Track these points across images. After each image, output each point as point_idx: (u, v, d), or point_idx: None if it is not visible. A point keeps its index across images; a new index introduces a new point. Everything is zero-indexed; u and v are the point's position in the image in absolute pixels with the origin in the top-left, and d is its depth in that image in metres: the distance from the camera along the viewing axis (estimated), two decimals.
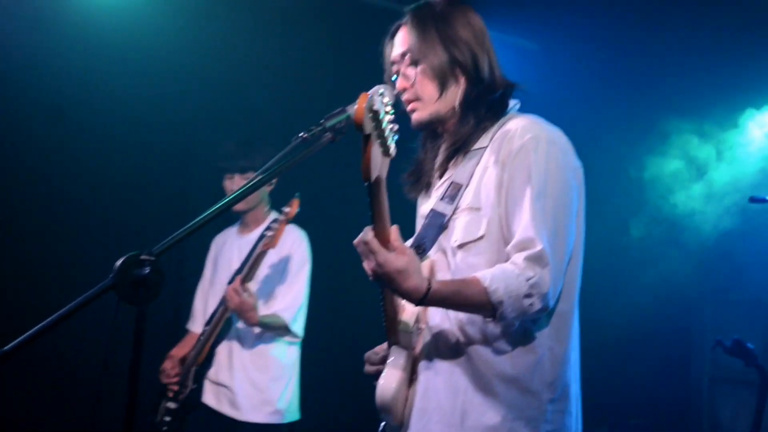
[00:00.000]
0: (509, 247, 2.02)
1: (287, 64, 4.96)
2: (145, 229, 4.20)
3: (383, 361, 2.21)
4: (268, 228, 3.77)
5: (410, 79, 2.18)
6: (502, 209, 2.07)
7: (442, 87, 2.17)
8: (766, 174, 5.28)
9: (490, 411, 2.03)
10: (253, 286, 3.80)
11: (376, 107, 1.69)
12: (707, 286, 5.90)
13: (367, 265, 1.89)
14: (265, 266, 3.85)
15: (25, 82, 4.36)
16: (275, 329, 3.84)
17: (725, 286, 5.83)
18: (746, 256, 5.48)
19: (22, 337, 1.77)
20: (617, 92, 5.62)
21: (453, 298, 1.95)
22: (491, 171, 2.10)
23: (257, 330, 3.84)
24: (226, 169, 3.97)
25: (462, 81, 2.18)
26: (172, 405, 3.88)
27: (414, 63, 2.18)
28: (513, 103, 2.24)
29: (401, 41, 2.22)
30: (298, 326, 3.89)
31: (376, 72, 2.30)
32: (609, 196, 5.29)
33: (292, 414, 3.95)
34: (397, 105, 2.14)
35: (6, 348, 1.77)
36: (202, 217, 1.90)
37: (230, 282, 3.78)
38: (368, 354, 2.32)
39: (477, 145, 2.18)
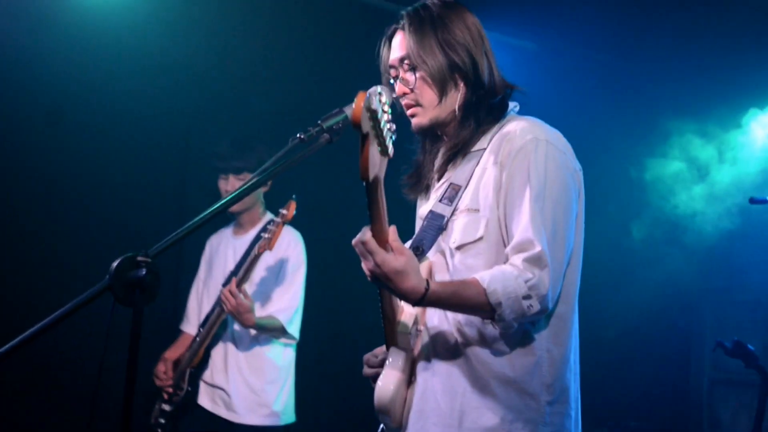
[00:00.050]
0: (508, 248, 2.01)
1: (284, 64, 4.96)
2: (142, 231, 4.19)
3: (382, 363, 2.19)
4: (264, 230, 3.75)
5: (410, 85, 2.17)
6: (501, 211, 2.06)
7: (442, 92, 2.15)
8: None
9: (488, 412, 2.02)
10: (248, 287, 3.79)
11: (373, 106, 1.68)
12: (708, 287, 5.90)
13: (365, 265, 1.88)
14: (261, 268, 3.85)
15: (24, 83, 4.35)
16: (271, 331, 3.83)
17: (726, 287, 5.83)
18: (747, 256, 5.48)
19: (18, 338, 1.76)
20: (618, 92, 5.62)
21: (451, 299, 1.94)
22: (490, 172, 2.10)
23: (253, 332, 3.83)
24: (221, 169, 3.96)
25: (462, 85, 2.17)
26: (166, 407, 3.87)
27: (413, 68, 2.16)
28: (512, 105, 2.23)
29: (399, 45, 2.20)
30: (294, 328, 3.88)
31: (373, 73, 2.29)
32: (610, 198, 5.28)
33: (288, 416, 3.94)
34: (395, 106, 2.13)
35: (1, 350, 1.75)
36: (198, 218, 1.90)
37: (225, 284, 3.77)
38: (367, 356, 2.31)
39: (476, 147, 2.17)
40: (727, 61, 5.06)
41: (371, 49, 2.30)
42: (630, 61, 5.63)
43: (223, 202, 1.95)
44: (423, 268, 2.08)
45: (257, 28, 4.83)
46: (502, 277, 1.93)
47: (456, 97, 2.17)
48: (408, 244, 2.19)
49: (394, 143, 1.80)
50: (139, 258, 1.76)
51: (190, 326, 4.07)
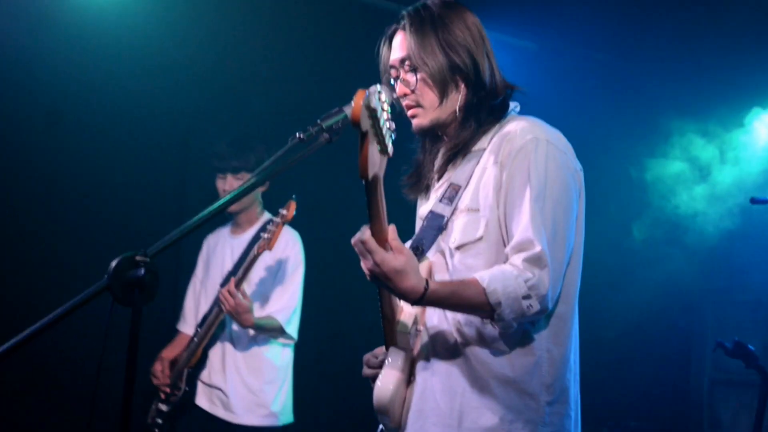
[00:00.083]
0: (508, 248, 2.01)
1: (284, 64, 4.96)
2: (142, 231, 4.18)
3: (382, 364, 2.19)
4: (263, 230, 3.74)
5: (411, 86, 2.16)
6: (501, 210, 2.06)
7: (443, 93, 2.15)
8: None
9: (487, 412, 2.02)
10: (247, 287, 3.78)
11: (373, 105, 1.67)
12: (708, 288, 5.89)
13: (365, 265, 1.87)
14: (259, 268, 3.84)
15: (24, 83, 4.35)
16: (270, 331, 3.82)
17: (726, 287, 5.82)
18: (748, 257, 5.47)
19: (16, 338, 1.76)
20: (618, 92, 5.61)
21: (451, 298, 1.94)
22: (490, 172, 2.09)
23: (251, 332, 3.83)
24: (219, 169, 3.95)
25: (462, 86, 2.16)
26: (163, 407, 3.86)
27: (414, 69, 2.15)
28: (513, 105, 2.23)
29: (400, 46, 2.19)
30: (293, 328, 3.87)
31: (373, 73, 2.28)
32: (611, 198, 5.27)
33: (286, 416, 3.94)
34: (395, 105, 2.12)
35: (1, 349, 1.75)
36: (197, 218, 1.89)
37: (224, 284, 3.77)
38: (367, 356, 2.31)
39: (476, 147, 2.17)
40: (729, 60, 5.05)
41: (371, 49, 2.29)
42: (630, 60, 5.62)
43: (222, 201, 1.94)
44: (423, 267, 2.07)
45: (257, 28, 4.83)
46: (501, 276, 1.92)
47: (457, 98, 2.16)
48: (408, 243, 2.19)
49: (393, 142, 1.79)
50: (138, 258, 1.76)
51: (187, 326, 4.05)
